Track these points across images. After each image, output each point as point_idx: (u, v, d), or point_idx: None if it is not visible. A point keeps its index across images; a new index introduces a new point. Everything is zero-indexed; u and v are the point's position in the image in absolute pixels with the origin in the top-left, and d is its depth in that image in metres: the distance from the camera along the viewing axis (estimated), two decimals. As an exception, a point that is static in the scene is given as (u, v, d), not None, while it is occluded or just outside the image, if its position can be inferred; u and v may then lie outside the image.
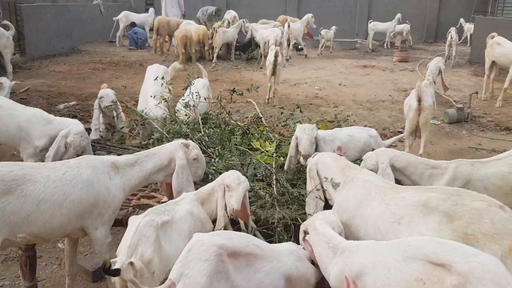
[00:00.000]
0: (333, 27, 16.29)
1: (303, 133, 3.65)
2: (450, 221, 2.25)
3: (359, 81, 11.28)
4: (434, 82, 6.12)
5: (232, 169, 3.66)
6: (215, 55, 13.05)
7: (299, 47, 15.32)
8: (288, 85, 10.62)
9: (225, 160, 3.76)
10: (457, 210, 2.25)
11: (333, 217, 2.56)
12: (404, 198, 2.46)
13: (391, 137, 7.04)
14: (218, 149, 3.93)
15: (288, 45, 14.60)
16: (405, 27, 16.74)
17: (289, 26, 14.36)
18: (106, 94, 4.57)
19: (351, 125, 7.43)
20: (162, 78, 4.65)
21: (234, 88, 4.72)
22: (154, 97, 4.56)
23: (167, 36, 14.90)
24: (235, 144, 4.15)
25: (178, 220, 2.61)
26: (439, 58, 6.27)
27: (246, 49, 13.98)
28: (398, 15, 17.32)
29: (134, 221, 2.41)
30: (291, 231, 3.13)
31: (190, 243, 2.13)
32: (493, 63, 9.23)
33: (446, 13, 20.62)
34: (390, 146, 6.70)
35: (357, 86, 10.62)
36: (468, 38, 18.06)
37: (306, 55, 14.98)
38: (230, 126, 4.60)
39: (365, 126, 7.61)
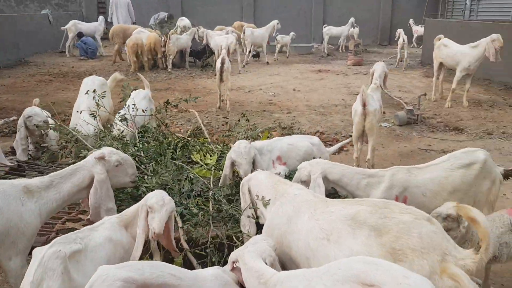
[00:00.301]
0: (292, 33, 16.39)
1: (241, 157, 3.46)
2: (379, 235, 2.14)
3: (313, 86, 11.27)
4: (381, 86, 6.10)
5: (167, 185, 3.48)
6: (168, 63, 12.78)
7: (253, 53, 15.22)
8: (243, 92, 10.49)
9: (159, 177, 3.55)
10: (385, 223, 2.15)
11: (265, 245, 2.36)
12: (333, 212, 2.34)
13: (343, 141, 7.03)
14: (152, 165, 3.72)
15: (249, 51, 14.56)
16: (354, 30, 17.05)
17: (244, 32, 14.29)
18: (35, 113, 4.26)
19: (297, 133, 7.42)
20: (94, 91, 4.39)
21: (168, 99, 4.52)
22: (81, 112, 4.31)
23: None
24: (172, 158, 3.95)
25: (93, 248, 2.39)
26: (383, 63, 6.28)
27: (201, 56, 13.77)
28: (351, 19, 17.56)
29: (38, 254, 2.18)
30: (226, 250, 2.96)
31: (92, 278, 1.92)
32: (441, 64, 9.41)
33: (399, 16, 21.07)
34: (340, 150, 6.74)
35: (311, 91, 10.60)
36: (414, 40, 18.61)
37: (268, 62, 14.89)
38: (169, 139, 4.39)
39: (318, 131, 7.59)
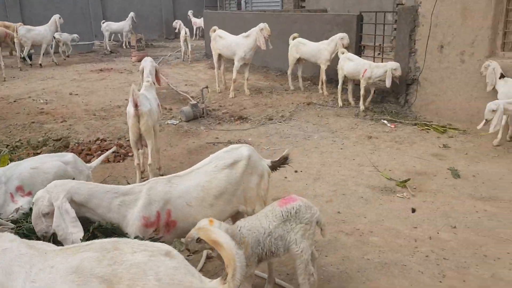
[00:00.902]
0: (74, 35, 15.00)
1: None
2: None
3: (94, 87, 10.28)
4: (154, 83, 5.67)
5: None
6: None
7: (22, 56, 13.29)
8: (6, 102, 8.88)
9: None
10: (116, 271, 1.68)
11: None
12: (53, 267, 1.75)
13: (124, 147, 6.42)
14: None
15: (19, 54, 12.62)
16: (125, 26, 16.62)
17: (17, 31, 12.37)
18: None
19: (74, 144, 6.54)
20: None
21: None
22: None
23: None
24: None
25: None
26: (150, 58, 5.87)
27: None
28: (131, 14, 16.85)
29: None
30: None
31: None
32: (220, 55, 9.52)
33: (181, 9, 21.14)
34: (124, 157, 6.13)
35: (91, 94, 9.62)
36: (194, 31, 19.07)
37: (41, 64, 13.13)
38: None
39: (98, 138, 6.81)
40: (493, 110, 5.48)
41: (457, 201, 4.61)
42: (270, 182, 5.16)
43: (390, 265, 3.61)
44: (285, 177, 5.38)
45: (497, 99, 5.82)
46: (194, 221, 2.66)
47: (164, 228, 2.69)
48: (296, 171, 5.54)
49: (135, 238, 2.59)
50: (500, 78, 6.14)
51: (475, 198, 4.67)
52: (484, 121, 5.60)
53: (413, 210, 4.47)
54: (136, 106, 4.77)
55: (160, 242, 2.64)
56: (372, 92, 7.78)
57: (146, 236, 2.62)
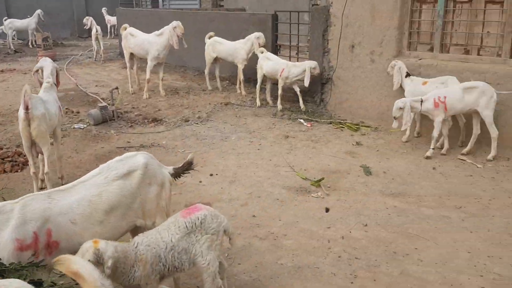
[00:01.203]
0: None
1: None
2: None
3: (-8, 90, 9.39)
4: (55, 84, 5.19)
5: None
6: None
7: None
8: None
9: None
10: None
11: None
12: None
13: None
14: None
15: None
16: (30, 24, 15.52)
17: None
18: None
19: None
20: None
21: None
22: None
23: None
24: None
25: None
26: (49, 58, 5.40)
27: None
28: (38, 11, 15.64)
29: None
30: None
31: None
32: (132, 54, 9.06)
33: (94, 7, 20.03)
34: (22, 166, 5.56)
35: (-12, 97, 8.76)
36: (109, 30, 18.31)
37: None
38: None
39: (-8, 146, 6.14)
40: (400, 108, 5.64)
41: (369, 199, 4.66)
42: (183, 187, 4.98)
43: (304, 268, 3.52)
44: (200, 181, 5.16)
45: (404, 97, 6.02)
46: (81, 240, 2.37)
47: (45, 250, 2.35)
48: (211, 174, 5.34)
49: (10, 264, 2.24)
50: (406, 77, 6.36)
51: (385, 194, 4.75)
52: (394, 119, 5.75)
53: (327, 210, 4.45)
54: (26, 108, 4.32)
55: (42, 265, 2.32)
56: (298, 91, 7.61)
57: (23, 261, 2.27)
